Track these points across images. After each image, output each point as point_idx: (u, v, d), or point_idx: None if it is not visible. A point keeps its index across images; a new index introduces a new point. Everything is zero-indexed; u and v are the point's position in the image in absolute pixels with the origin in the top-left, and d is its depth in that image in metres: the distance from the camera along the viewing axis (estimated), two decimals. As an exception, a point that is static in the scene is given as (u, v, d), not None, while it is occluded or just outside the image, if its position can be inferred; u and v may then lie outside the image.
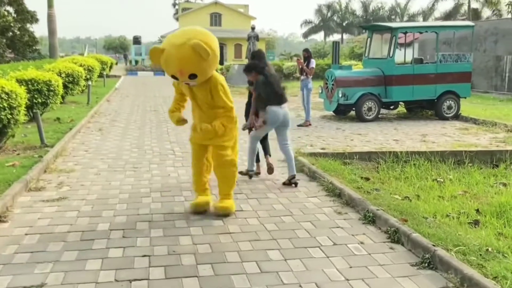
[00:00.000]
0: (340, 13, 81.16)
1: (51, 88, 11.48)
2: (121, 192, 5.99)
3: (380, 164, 7.89)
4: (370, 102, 12.50)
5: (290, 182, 6.41)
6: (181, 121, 5.38)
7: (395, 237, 4.40)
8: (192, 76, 4.78)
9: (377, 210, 4.94)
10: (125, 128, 11.21)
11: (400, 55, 13.44)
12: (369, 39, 13.67)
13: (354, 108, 12.82)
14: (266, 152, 7.19)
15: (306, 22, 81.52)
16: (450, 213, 5.68)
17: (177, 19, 63.57)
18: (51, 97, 11.52)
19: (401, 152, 8.03)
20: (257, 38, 27.59)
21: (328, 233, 4.62)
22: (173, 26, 63.78)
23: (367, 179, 7.03)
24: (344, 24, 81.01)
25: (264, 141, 7.15)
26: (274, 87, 6.25)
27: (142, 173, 7.02)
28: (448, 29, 14.18)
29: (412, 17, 79.90)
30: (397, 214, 5.03)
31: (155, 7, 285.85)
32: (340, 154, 8.02)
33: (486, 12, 42.70)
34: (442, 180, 7.28)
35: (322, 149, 8.84)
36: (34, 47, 28.58)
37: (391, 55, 12.62)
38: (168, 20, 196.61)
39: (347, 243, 4.36)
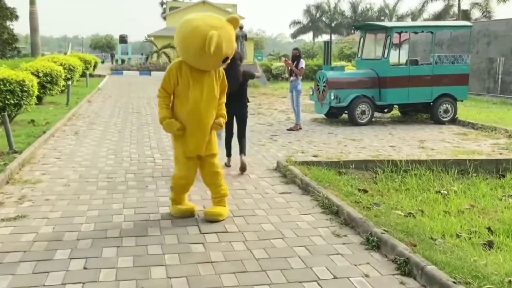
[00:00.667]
0: (329, 13, 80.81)
1: (25, 89, 10.71)
2: (90, 208, 5.29)
3: (378, 174, 7.26)
4: (363, 105, 11.90)
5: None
6: (181, 129, 4.80)
7: (405, 268, 3.76)
8: (227, 59, 4.77)
9: (382, 233, 4.30)
10: (104, 131, 10.48)
11: (394, 56, 12.88)
12: (362, 39, 13.08)
13: (346, 111, 12.22)
14: (242, 150, 7.34)
15: (295, 23, 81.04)
16: (460, 233, 5.08)
17: (164, 18, 62.65)
18: (24, 98, 10.76)
19: (400, 161, 7.42)
20: (245, 37, 26.94)
21: (327, 262, 3.96)
22: (160, 25, 62.93)
23: (365, 191, 6.40)
24: (332, 24, 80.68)
25: (240, 139, 7.41)
26: None
27: (116, 184, 6.32)
28: (445, 29, 13.64)
29: (400, 18, 79.66)
30: (403, 236, 4.40)
31: (142, 6, 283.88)
32: (335, 162, 7.38)
33: (475, 14, 42.53)
34: (446, 192, 6.68)
35: (315, 156, 8.21)
36: (13, 45, 27.56)
37: (385, 56, 12.03)
38: (156, 20, 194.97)
39: (349, 276, 3.70)
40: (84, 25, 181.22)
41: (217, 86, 4.92)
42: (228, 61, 4.80)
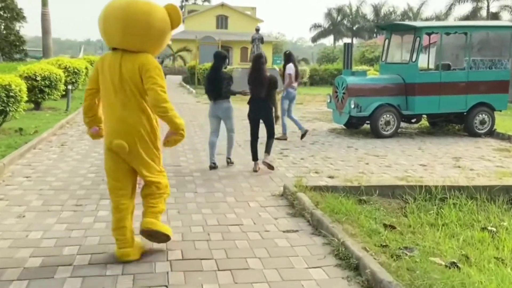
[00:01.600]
0: (351, 17, 79.19)
1: (11, 94, 9.67)
2: (34, 252, 4.09)
3: (408, 203, 5.93)
4: (388, 115, 10.55)
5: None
6: None
7: None
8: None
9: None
10: (94, 142, 9.32)
11: (422, 60, 11.48)
12: (387, 41, 11.72)
13: (368, 122, 10.89)
14: (266, 149, 7.39)
15: (315, 26, 79.57)
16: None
17: (182, 21, 61.90)
18: (11, 104, 9.71)
19: (435, 187, 6.07)
20: (261, 40, 25.79)
21: None
22: (178, 28, 62.05)
23: (393, 227, 5.09)
24: (354, 28, 79.00)
25: (268, 139, 7.42)
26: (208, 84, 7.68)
27: (82, 215, 5.13)
28: (482, 30, 12.19)
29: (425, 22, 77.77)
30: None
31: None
32: (354, 188, 6.07)
33: (505, 16, 40.59)
34: (494, 229, 5.32)
35: (330, 177, 6.92)
36: (21, 47, 26.80)
37: (413, 60, 10.66)
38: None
39: None
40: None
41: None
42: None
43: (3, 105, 9.54)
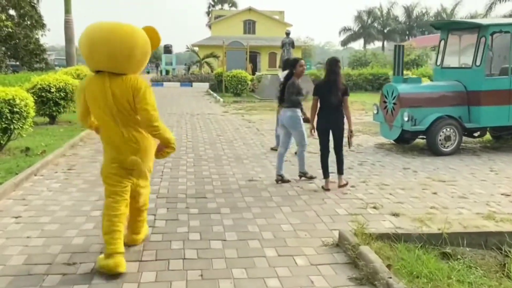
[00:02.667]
0: (381, 19, 77.12)
1: (15, 109, 8.55)
2: None
3: (509, 257, 4.42)
4: (448, 129, 8.97)
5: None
6: None
7: None
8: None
9: None
10: (107, 165, 8.08)
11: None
12: (443, 42, 10.14)
13: (423, 136, 9.34)
14: (339, 170, 6.71)
15: (345, 29, 77.82)
16: None
17: (209, 27, 61.04)
18: (15, 121, 8.58)
19: (544, 235, 4.54)
20: (292, 45, 24.35)
21: None
22: (205, 34, 61.08)
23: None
24: (385, 31, 76.87)
25: (337, 154, 6.71)
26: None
27: (73, 281, 3.80)
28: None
29: (459, 23, 74.88)
30: None
31: (188, 16, 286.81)
32: (434, 236, 4.59)
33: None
34: None
35: (394, 215, 5.45)
36: (41, 56, 25.91)
37: (478, 63, 9.06)
38: (201, 29, 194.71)
39: None
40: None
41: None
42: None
43: (6, 122, 8.42)
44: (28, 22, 24.77)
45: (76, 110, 4.31)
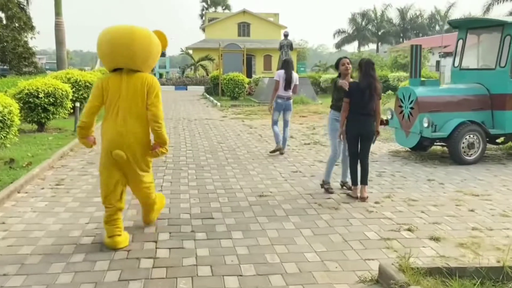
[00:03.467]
0: (376, 21, 76.72)
1: (-2, 118, 7.76)
2: None
3: None
4: (471, 135, 8.26)
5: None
6: None
7: None
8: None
9: None
10: (98, 181, 7.27)
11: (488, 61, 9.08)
12: (461, 41, 9.43)
13: (442, 143, 8.64)
14: (362, 180, 6.25)
15: (339, 32, 77.35)
16: None
17: (203, 29, 60.28)
18: (-3, 130, 7.80)
19: None
20: (290, 47, 23.63)
21: None
22: (199, 37, 60.48)
23: None
24: (379, 33, 76.46)
25: (363, 162, 6.28)
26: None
27: None
28: None
29: (453, 25, 74.58)
30: None
31: (181, 19, 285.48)
32: (495, 270, 3.84)
33: (549, 16, 37.62)
34: None
35: (434, 239, 4.71)
36: (30, 60, 24.89)
37: (502, 64, 8.37)
38: (194, 32, 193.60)
39: None
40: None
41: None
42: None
43: (-14, 131, 7.63)
44: (16, 24, 23.75)
45: (86, 105, 4.49)
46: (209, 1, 75.88)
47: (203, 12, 73.29)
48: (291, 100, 9.35)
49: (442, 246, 4.55)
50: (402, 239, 4.75)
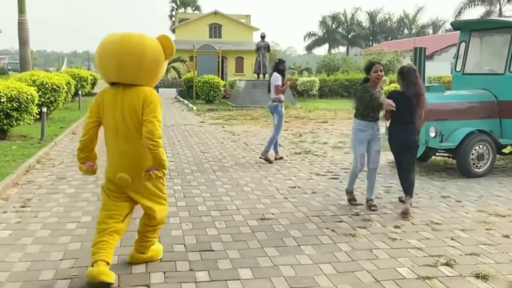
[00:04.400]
0: (346, 24, 76.90)
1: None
2: None
3: None
4: (481, 146, 7.66)
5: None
6: None
7: None
8: None
9: None
10: (74, 197, 6.32)
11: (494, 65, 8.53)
12: (464, 44, 8.84)
13: (451, 155, 8.02)
14: (408, 191, 5.84)
15: (310, 35, 77.23)
16: None
17: (173, 30, 59.02)
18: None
19: None
20: (267, 48, 23.01)
21: None
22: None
23: None
24: (349, 36, 76.67)
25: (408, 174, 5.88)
26: None
27: None
28: None
29: (422, 29, 75.61)
30: None
31: (151, 20, 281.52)
32: None
33: (518, 21, 38.20)
34: None
35: (481, 278, 3.99)
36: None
37: (511, 69, 7.81)
38: (164, 33, 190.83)
39: None
40: (94, 40, 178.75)
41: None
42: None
43: None
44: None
45: (85, 121, 4.05)
46: (178, 2, 74.64)
47: (173, 13, 71.98)
48: (276, 103, 9.12)
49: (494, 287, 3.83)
50: (443, 277, 4.01)
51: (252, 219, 5.55)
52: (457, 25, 9.20)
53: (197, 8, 72.34)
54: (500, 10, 37.58)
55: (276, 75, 8.96)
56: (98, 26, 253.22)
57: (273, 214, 5.75)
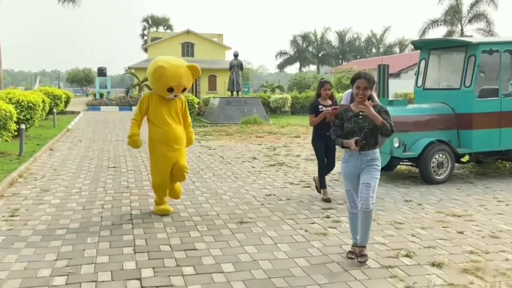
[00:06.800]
0: (316, 43, 78.58)
1: None
2: None
3: None
4: (441, 155, 8.30)
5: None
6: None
7: None
8: (184, 90, 6.26)
9: None
10: (60, 207, 6.63)
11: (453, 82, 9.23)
12: (424, 62, 9.55)
13: (413, 164, 8.63)
14: None
15: (281, 53, 78.56)
16: None
17: (145, 49, 59.30)
18: None
19: None
20: (241, 67, 23.65)
21: None
22: (141, 57, 59.48)
23: None
24: (320, 54, 78.33)
25: None
26: None
27: None
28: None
29: (389, 48, 77.92)
30: None
31: (122, 39, 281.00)
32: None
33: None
34: None
35: (436, 265, 4.52)
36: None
37: (467, 84, 8.50)
38: (136, 52, 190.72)
39: None
40: (63, 61, 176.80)
41: (180, 111, 6.39)
42: (178, 94, 6.24)
43: None
44: None
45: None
46: (150, 21, 75.08)
47: (145, 32, 72.34)
48: None
49: (447, 273, 4.34)
50: (403, 266, 4.52)
51: (231, 222, 5.98)
52: (417, 44, 9.95)
53: (169, 27, 72.93)
54: (462, 30, 39.29)
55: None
56: (68, 46, 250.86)
57: (250, 218, 6.19)
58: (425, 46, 9.62)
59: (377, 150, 4.73)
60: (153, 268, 4.46)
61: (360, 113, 4.62)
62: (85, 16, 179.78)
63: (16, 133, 11.74)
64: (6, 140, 11.65)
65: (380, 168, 4.70)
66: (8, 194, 7.40)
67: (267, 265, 4.56)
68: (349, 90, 6.80)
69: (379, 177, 4.65)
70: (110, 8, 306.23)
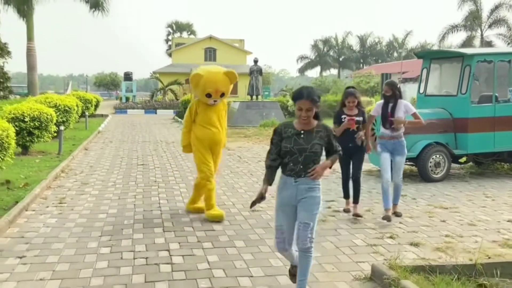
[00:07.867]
0: (337, 48, 79.24)
1: (-5, 141, 8.05)
2: None
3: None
4: (438, 155, 9.14)
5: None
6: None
7: None
8: (222, 95, 6.50)
9: None
10: (99, 197, 7.71)
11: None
12: (425, 70, 10.40)
13: (413, 163, 9.47)
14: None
15: (302, 58, 79.44)
16: None
17: (169, 54, 60.88)
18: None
19: None
20: (260, 72, 24.60)
21: None
22: (165, 62, 61.06)
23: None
24: (340, 59, 78.97)
25: None
26: None
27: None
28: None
29: (410, 52, 78.06)
30: None
31: (147, 43, 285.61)
32: (467, 267, 4.55)
33: (499, 45, 40.24)
34: None
35: (414, 245, 5.42)
36: (5, 84, 24.78)
37: (463, 92, 9.33)
38: (160, 57, 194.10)
39: None
40: (89, 64, 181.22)
41: (222, 116, 6.74)
42: (217, 99, 6.50)
43: (-14, 153, 7.93)
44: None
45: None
46: (174, 27, 76.73)
47: (169, 37, 74.02)
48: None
49: (422, 251, 5.25)
50: (386, 245, 5.43)
51: (245, 210, 6.95)
52: (420, 54, 10.81)
53: (193, 32, 74.42)
54: (482, 35, 39.62)
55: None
56: (92, 49, 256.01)
57: (261, 207, 7.08)
58: (426, 56, 10.47)
59: None
60: (179, 243, 5.47)
61: (302, 131, 3.79)
62: (112, 23, 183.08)
63: (55, 134, 12.95)
64: (47, 141, 12.87)
65: (320, 197, 3.84)
66: (54, 186, 8.53)
67: (271, 242, 5.52)
68: (381, 101, 6.81)
69: (319, 211, 3.83)
70: (135, 15, 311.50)
